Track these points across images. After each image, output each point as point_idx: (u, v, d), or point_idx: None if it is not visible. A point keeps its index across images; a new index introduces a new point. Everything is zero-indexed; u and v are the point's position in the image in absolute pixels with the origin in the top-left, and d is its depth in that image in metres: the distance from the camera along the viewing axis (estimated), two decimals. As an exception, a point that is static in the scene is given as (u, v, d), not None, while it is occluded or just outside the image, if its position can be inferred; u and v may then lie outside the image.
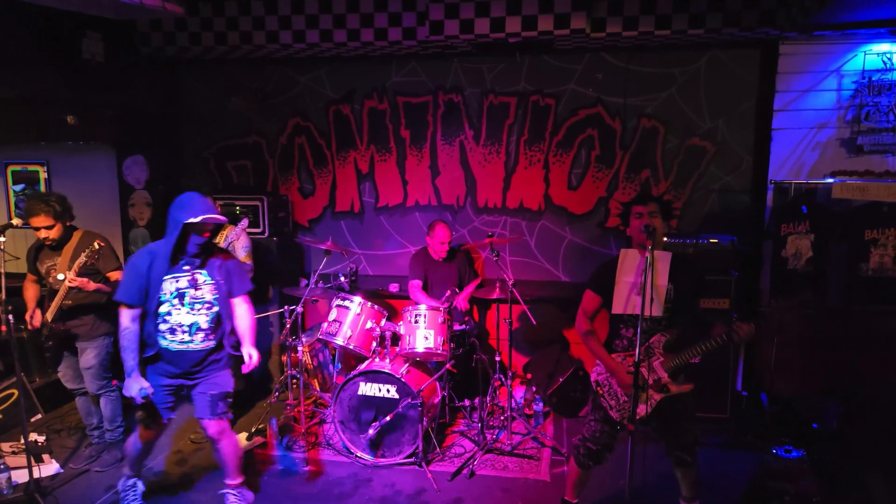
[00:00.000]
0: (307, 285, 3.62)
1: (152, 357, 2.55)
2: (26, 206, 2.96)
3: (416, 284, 3.85)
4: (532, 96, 4.06)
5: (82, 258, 2.88)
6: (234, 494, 2.76)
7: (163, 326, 2.51)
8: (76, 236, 3.06)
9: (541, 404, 3.68)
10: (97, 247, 2.87)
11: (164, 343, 2.52)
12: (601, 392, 2.46)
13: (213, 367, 2.61)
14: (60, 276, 2.96)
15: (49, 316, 3.00)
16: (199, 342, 2.54)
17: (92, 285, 2.94)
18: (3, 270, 2.74)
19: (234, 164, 4.57)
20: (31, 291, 3.15)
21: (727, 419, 3.55)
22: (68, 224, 3.05)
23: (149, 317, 2.51)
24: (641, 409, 2.33)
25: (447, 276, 3.88)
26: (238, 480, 2.77)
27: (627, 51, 3.89)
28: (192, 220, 2.38)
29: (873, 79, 3.53)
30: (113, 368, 3.18)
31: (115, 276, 3.07)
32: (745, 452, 3.27)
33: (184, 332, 2.52)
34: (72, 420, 3.68)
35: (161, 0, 3.16)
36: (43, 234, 2.97)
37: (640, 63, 3.90)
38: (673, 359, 2.36)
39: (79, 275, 2.88)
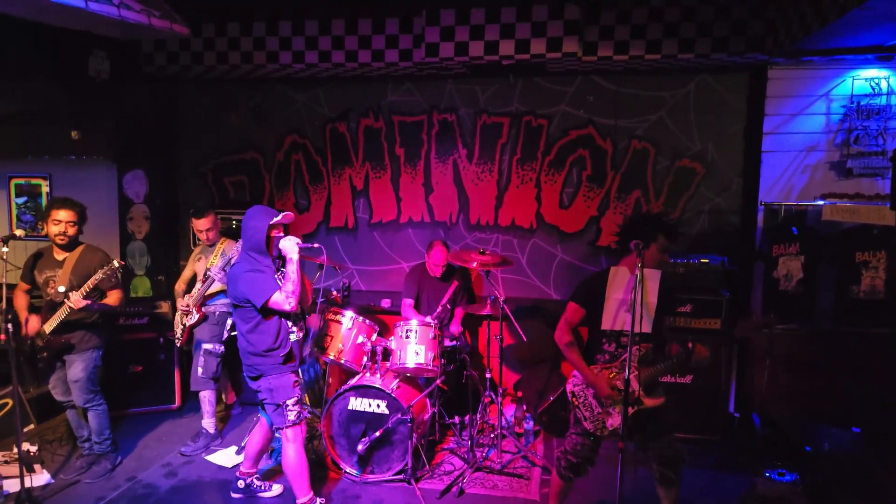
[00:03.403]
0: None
1: (286, 356, 2.71)
2: (52, 202, 3.06)
3: (408, 303, 3.89)
4: (525, 117, 4.14)
5: (99, 275, 2.92)
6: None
7: (289, 322, 2.73)
8: (79, 249, 3.12)
9: (531, 423, 3.67)
10: (116, 265, 2.94)
11: (292, 338, 2.75)
12: (576, 403, 2.49)
13: None
14: (61, 289, 3.00)
15: (48, 328, 3.02)
16: (298, 331, 2.79)
17: (95, 307, 3.00)
18: (4, 280, 2.80)
19: (231, 179, 4.65)
20: (21, 301, 3.16)
21: (719, 440, 3.53)
22: (80, 233, 3.11)
23: (279, 316, 2.68)
24: (616, 421, 2.37)
25: (442, 293, 3.90)
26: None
27: (618, 74, 3.96)
28: (275, 220, 2.63)
29: (862, 103, 3.58)
30: (100, 382, 3.22)
31: (112, 294, 3.12)
32: (736, 475, 3.24)
33: (294, 323, 2.77)
34: (63, 431, 3.70)
35: (168, 21, 3.26)
36: (62, 227, 3.01)
37: (631, 86, 3.97)
38: (647, 372, 2.39)
39: (86, 294, 2.92)
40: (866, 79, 3.57)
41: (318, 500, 2.83)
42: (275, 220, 2.63)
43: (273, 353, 2.68)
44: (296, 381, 2.75)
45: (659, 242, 2.39)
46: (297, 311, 2.67)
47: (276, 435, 3.08)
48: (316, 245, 2.79)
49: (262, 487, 3.07)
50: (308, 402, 3.72)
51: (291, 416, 2.70)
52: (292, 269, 2.61)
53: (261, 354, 2.67)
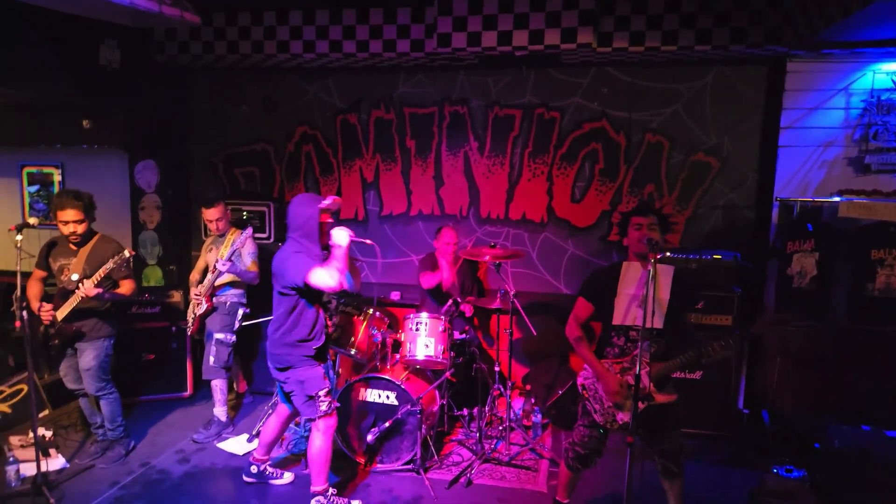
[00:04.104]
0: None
1: (319, 349, 2.72)
2: (57, 200, 3.02)
3: (426, 274, 3.81)
4: (537, 109, 4.09)
5: (110, 264, 2.93)
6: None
7: (326, 315, 2.75)
8: (94, 239, 3.14)
9: (539, 416, 3.69)
10: (128, 255, 2.95)
11: (326, 332, 2.77)
12: (586, 396, 2.50)
13: None
14: (74, 277, 3.02)
15: (60, 315, 3.06)
16: (331, 325, 2.86)
17: (106, 296, 3.01)
18: (19, 268, 2.83)
19: (241, 170, 4.65)
20: (34, 289, 3.18)
21: (728, 436, 3.53)
22: (92, 220, 3.12)
23: (319, 307, 2.70)
24: (626, 416, 2.38)
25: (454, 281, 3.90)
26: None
27: (633, 65, 3.90)
28: (323, 204, 2.64)
29: (882, 98, 3.51)
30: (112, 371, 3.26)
31: (125, 283, 3.14)
32: (745, 470, 3.25)
33: (330, 317, 2.78)
34: (78, 416, 3.75)
35: (179, 9, 3.24)
36: (70, 228, 3.01)
37: (646, 78, 3.92)
38: (659, 369, 2.38)
39: (97, 282, 2.94)
40: (887, 73, 3.50)
41: (332, 490, 2.86)
42: (324, 203, 2.64)
43: (305, 345, 2.68)
44: (325, 373, 2.76)
45: (632, 222, 2.41)
46: (339, 290, 2.61)
47: (292, 425, 3.11)
48: (369, 241, 2.76)
49: (274, 475, 3.11)
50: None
51: (323, 406, 2.71)
52: (339, 252, 2.57)
53: (292, 345, 2.67)
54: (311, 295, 2.64)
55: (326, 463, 2.78)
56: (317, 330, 2.68)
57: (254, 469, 3.08)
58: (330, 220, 2.69)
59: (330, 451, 2.78)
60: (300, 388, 2.71)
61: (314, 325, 2.67)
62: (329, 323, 2.78)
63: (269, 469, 3.11)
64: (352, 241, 2.60)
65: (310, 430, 2.79)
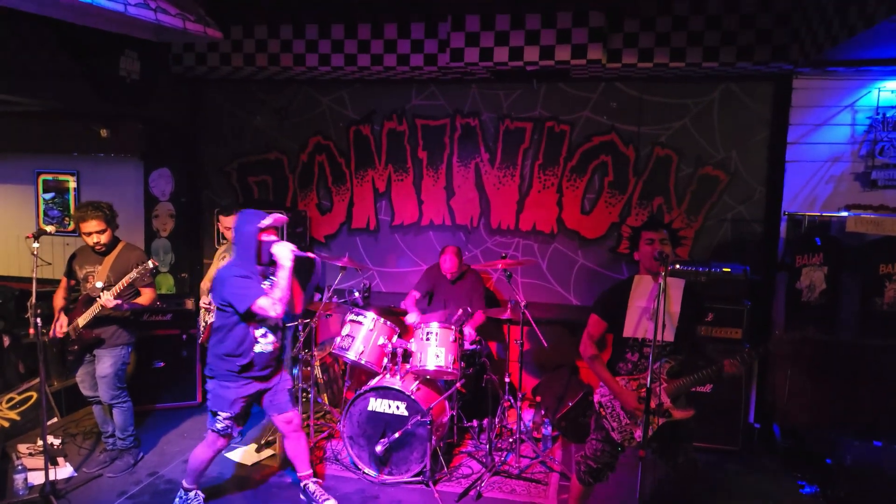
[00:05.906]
0: (321, 300, 3.69)
1: (245, 366, 2.66)
2: (77, 214, 3.06)
3: (413, 295, 3.93)
4: (547, 122, 4.16)
5: (134, 273, 2.95)
6: (314, 482, 2.96)
7: (258, 332, 2.67)
8: (119, 247, 3.18)
9: (549, 428, 3.67)
10: (151, 265, 2.97)
11: (258, 348, 2.67)
12: (604, 413, 2.49)
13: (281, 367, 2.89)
14: (98, 284, 3.05)
15: (81, 322, 3.06)
16: (273, 343, 2.74)
17: (125, 306, 3.04)
18: (35, 275, 2.85)
19: (255, 179, 4.70)
20: (60, 298, 3.21)
21: (738, 451, 3.50)
22: (115, 227, 3.16)
23: (247, 323, 2.63)
24: (641, 433, 2.35)
25: (456, 294, 3.92)
26: (311, 471, 2.99)
27: (642, 81, 3.98)
28: (263, 222, 2.60)
29: (887, 115, 3.57)
30: (127, 380, 3.27)
31: (146, 292, 3.16)
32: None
33: (268, 334, 2.71)
34: (87, 424, 3.74)
35: (202, 25, 3.31)
36: (94, 238, 3.05)
37: (655, 93, 3.99)
38: (676, 385, 2.38)
39: (119, 292, 2.96)
40: (892, 90, 3.56)
41: (199, 493, 2.89)
42: (263, 222, 2.59)
43: (230, 360, 2.64)
44: (237, 400, 2.67)
45: (643, 237, 2.43)
46: (281, 318, 2.61)
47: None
48: (311, 255, 2.74)
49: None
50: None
51: (219, 425, 2.71)
52: (283, 275, 2.56)
53: (220, 357, 2.66)
54: (246, 315, 2.58)
55: (199, 469, 2.81)
56: (244, 347, 2.61)
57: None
58: (271, 239, 2.62)
59: (207, 463, 2.81)
60: (210, 399, 2.71)
61: (242, 342, 2.61)
62: (262, 340, 2.69)
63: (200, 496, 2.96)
64: (295, 256, 2.58)
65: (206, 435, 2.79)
